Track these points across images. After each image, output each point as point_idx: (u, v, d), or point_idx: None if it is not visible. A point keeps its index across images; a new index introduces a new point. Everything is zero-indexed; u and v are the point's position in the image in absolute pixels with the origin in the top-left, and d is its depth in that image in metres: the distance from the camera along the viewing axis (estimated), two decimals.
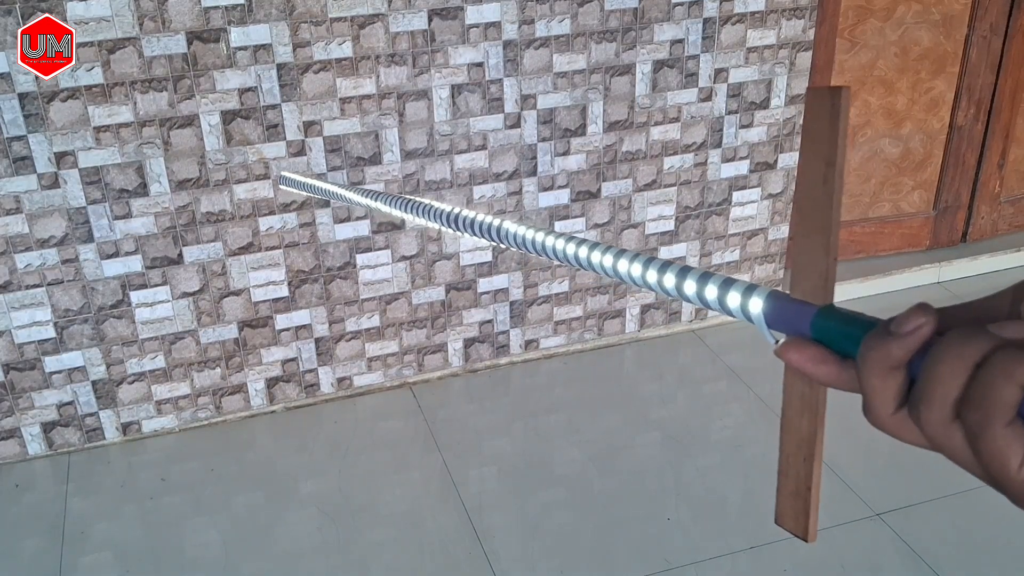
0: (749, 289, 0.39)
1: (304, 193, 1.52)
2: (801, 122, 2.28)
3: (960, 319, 0.34)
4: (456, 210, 0.71)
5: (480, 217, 0.67)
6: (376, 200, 0.89)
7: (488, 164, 2.07)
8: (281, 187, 1.74)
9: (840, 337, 0.36)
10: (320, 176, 1.96)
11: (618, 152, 2.16)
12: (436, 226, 0.73)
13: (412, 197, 0.82)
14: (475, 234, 0.68)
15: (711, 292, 0.42)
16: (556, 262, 0.59)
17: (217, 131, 1.86)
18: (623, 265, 0.51)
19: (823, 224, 0.35)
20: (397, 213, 0.83)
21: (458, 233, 0.69)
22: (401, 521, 1.83)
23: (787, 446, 0.38)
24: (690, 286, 0.44)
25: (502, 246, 0.63)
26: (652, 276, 0.47)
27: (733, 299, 0.40)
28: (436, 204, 0.75)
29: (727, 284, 0.41)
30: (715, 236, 2.35)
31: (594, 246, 0.55)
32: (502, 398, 2.25)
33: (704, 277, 0.43)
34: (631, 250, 0.52)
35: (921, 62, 2.43)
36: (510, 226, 0.63)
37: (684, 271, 0.45)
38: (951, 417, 0.32)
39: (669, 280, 0.45)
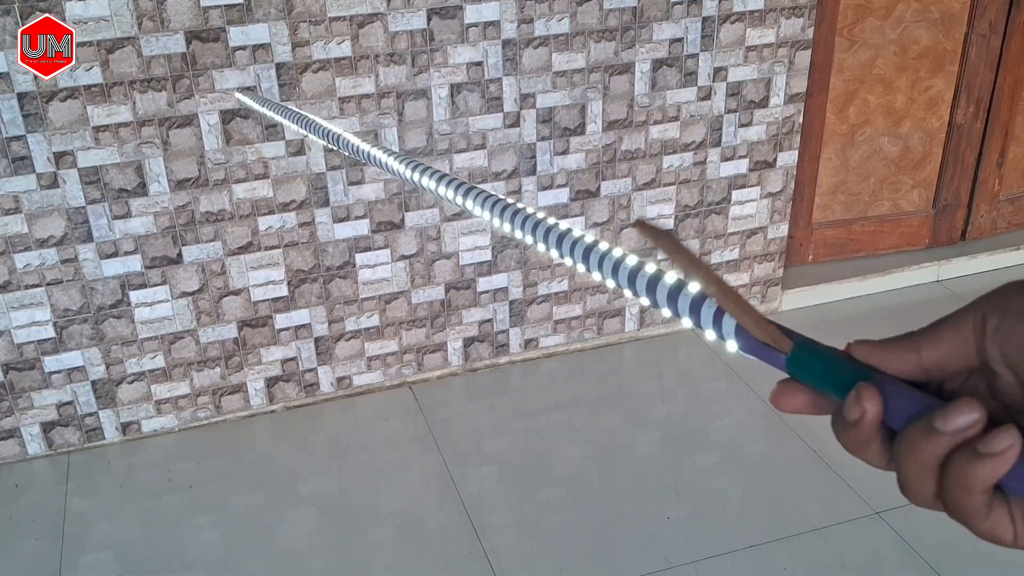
0: (719, 325, 0.39)
1: (262, 110, 1.58)
2: (800, 122, 2.29)
3: (930, 348, 0.35)
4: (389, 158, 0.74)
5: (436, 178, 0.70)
6: (318, 133, 0.92)
7: (487, 163, 2.07)
8: (237, 97, 1.78)
9: (816, 379, 0.37)
10: (320, 175, 1.96)
11: (617, 151, 2.16)
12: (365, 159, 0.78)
13: (364, 144, 0.84)
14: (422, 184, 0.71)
15: (686, 323, 0.41)
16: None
17: (216, 131, 1.86)
18: (587, 268, 0.51)
19: (730, 302, 0.38)
20: (347, 152, 0.87)
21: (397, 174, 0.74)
22: (401, 520, 1.83)
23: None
24: (665, 313, 0.43)
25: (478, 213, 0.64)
26: (627, 293, 0.46)
27: (709, 335, 0.40)
28: (380, 152, 0.77)
29: (696, 314, 0.40)
30: (714, 235, 2.35)
31: (551, 231, 0.54)
32: (502, 397, 2.25)
33: (674, 303, 0.41)
34: (605, 244, 0.51)
35: (920, 60, 2.43)
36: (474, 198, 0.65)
37: (653, 287, 0.43)
38: (935, 500, 0.34)
39: (645, 301, 0.44)
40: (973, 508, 0.32)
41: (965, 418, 0.31)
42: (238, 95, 1.74)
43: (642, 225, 0.37)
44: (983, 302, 0.34)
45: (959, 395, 0.33)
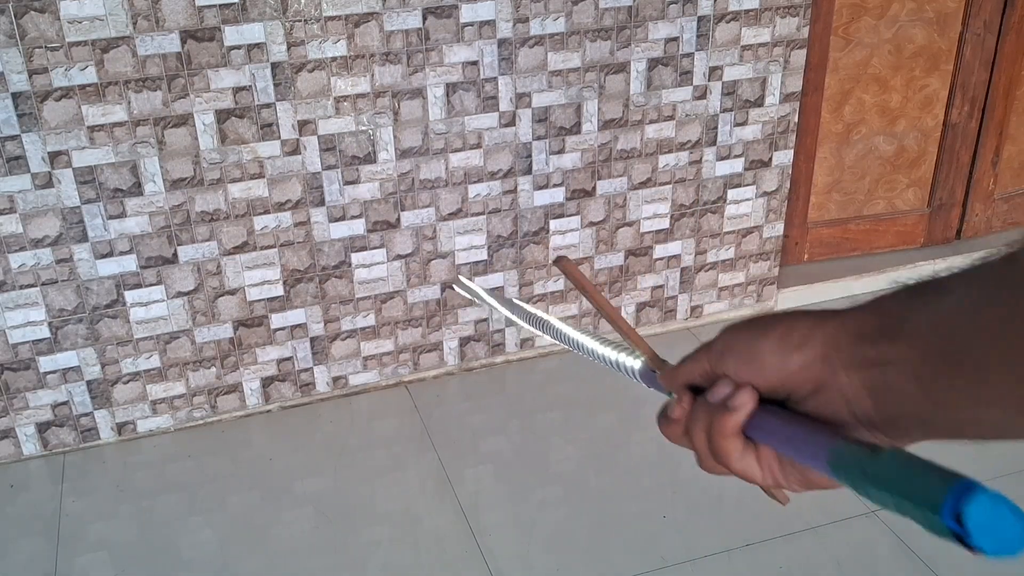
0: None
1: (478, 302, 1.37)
2: (795, 121, 2.29)
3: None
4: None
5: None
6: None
7: (483, 162, 2.07)
8: (456, 290, 1.65)
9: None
10: (315, 174, 1.96)
11: (613, 150, 2.16)
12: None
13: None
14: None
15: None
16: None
17: (211, 130, 1.85)
18: None
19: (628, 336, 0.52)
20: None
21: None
22: (397, 520, 1.83)
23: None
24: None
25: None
26: None
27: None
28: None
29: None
30: (710, 234, 2.35)
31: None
32: (498, 396, 2.25)
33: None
34: None
35: (915, 59, 2.44)
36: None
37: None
38: (708, 457, 0.50)
39: None
40: (729, 451, 0.44)
41: (724, 388, 0.45)
42: (461, 278, 1.56)
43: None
44: (706, 347, 0.47)
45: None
